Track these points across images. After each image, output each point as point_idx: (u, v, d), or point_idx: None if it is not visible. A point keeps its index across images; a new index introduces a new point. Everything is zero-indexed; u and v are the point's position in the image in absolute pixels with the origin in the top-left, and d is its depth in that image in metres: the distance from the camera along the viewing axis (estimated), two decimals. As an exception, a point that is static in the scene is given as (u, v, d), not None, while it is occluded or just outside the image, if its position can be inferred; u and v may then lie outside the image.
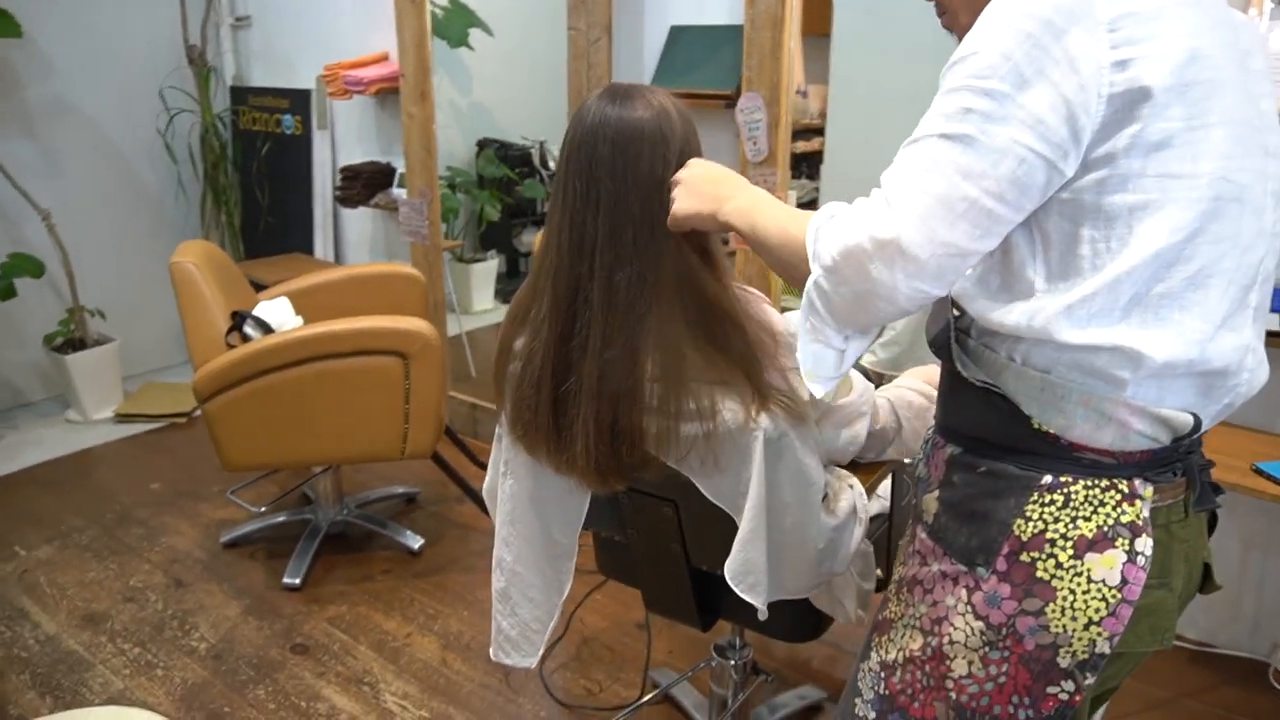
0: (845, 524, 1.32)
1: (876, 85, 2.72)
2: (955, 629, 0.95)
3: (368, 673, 2.18)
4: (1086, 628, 0.88)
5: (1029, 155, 0.81)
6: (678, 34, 2.76)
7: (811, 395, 1.23)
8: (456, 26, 3.66)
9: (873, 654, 1.07)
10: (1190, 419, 0.89)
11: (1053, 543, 0.89)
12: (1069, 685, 0.91)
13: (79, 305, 3.60)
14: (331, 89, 3.59)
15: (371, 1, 3.45)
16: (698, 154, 1.21)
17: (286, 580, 2.51)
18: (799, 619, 1.52)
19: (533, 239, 4.47)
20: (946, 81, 0.85)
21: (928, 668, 0.98)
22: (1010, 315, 0.89)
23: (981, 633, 0.93)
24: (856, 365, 1.24)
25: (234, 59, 4.18)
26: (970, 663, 0.94)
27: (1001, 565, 0.91)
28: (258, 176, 4.11)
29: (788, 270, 0.99)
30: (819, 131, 3.00)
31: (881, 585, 1.51)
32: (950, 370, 0.99)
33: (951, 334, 0.97)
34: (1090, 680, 0.91)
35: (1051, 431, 0.90)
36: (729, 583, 1.27)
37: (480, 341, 3.92)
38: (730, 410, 1.20)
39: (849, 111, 2.83)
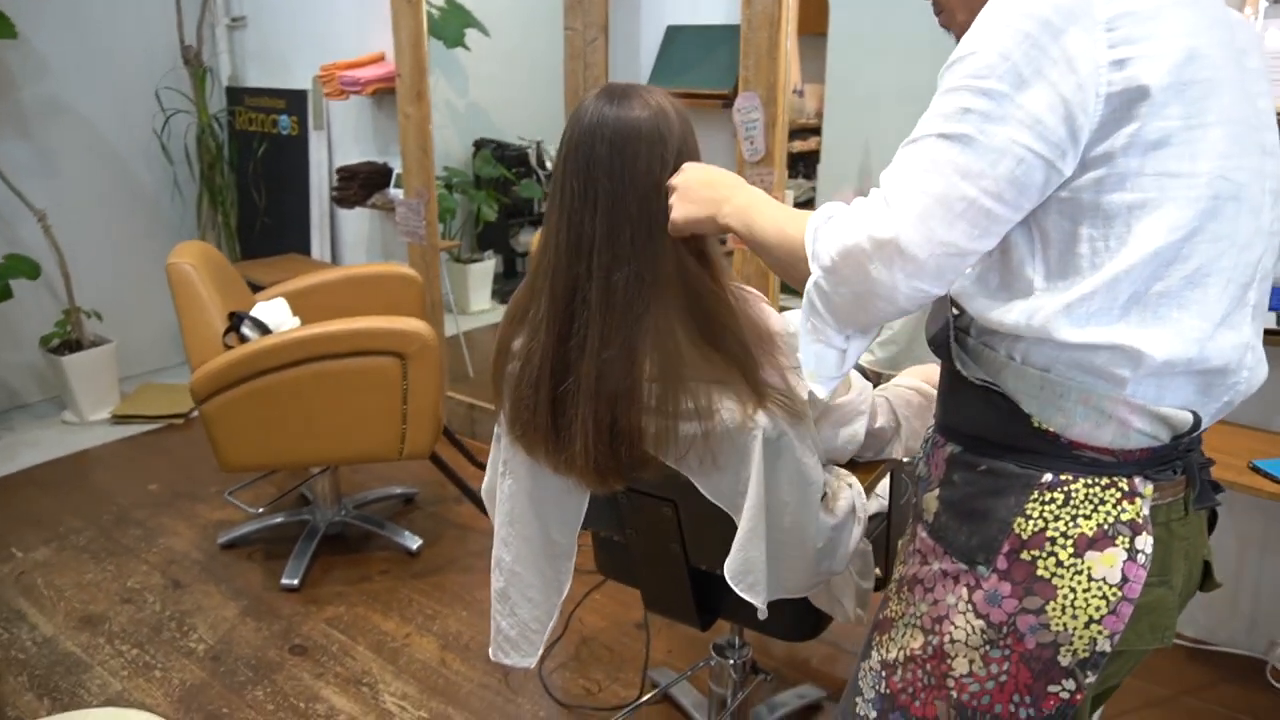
0: (844, 523, 1.32)
1: (873, 84, 2.72)
2: (956, 628, 0.95)
3: (366, 673, 2.17)
4: (1087, 626, 0.89)
5: (1027, 155, 0.82)
6: (674, 34, 2.76)
7: (810, 394, 1.23)
8: (453, 27, 3.66)
9: (873, 653, 1.07)
10: (1190, 417, 0.89)
11: (1053, 541, 0.89)
12: (1070, 684, 0.91)
13: (75, 306, 3.59)
14: (328, 89, 3.58)
15: (367, 2, 3.44)
16: (696, 153, 1.21)
17: (284, 581, 2.50)
18: (798, 618, 1.53)
19: (530, 239, 4.47)
20: (945, 81, 0.86)
21: (929, 666, 0.99)
22: (1009, 314, 0.89)
23: (982, 631, 0.93)
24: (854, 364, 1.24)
25: (230, 59, 4.17)
26: (971, 661, 0.94)
27: (1002, 564, 0.91)
28: (254, 177, 4.10)
29: (786, 270, 1.00)
30: (815, 131, 3.00)
31: (880, 584, 1.51)
32: (950, 369, 1.00)
33: (951, 333, 0.98)
34: (1091, 679, 0.91)
35: (1051, 430, 0.90)
36: (729, 582, 1.27)
37: (478, 342, 3.92)
38: (728, 409, 1.20)
39: (845, 111, 2.83)
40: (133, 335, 3.92)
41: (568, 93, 2.83)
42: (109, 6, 3.76)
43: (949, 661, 0.96)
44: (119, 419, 3.63)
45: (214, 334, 2.38)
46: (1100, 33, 0.80)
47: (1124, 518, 0.89)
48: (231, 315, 2.43)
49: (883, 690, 1.05)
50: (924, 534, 1.01)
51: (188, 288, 2.41)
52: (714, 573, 1.38)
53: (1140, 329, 0.85)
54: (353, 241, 3.97)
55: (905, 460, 1.45)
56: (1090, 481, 0.89)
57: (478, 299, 4.40)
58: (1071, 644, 0.90)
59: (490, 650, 1.49)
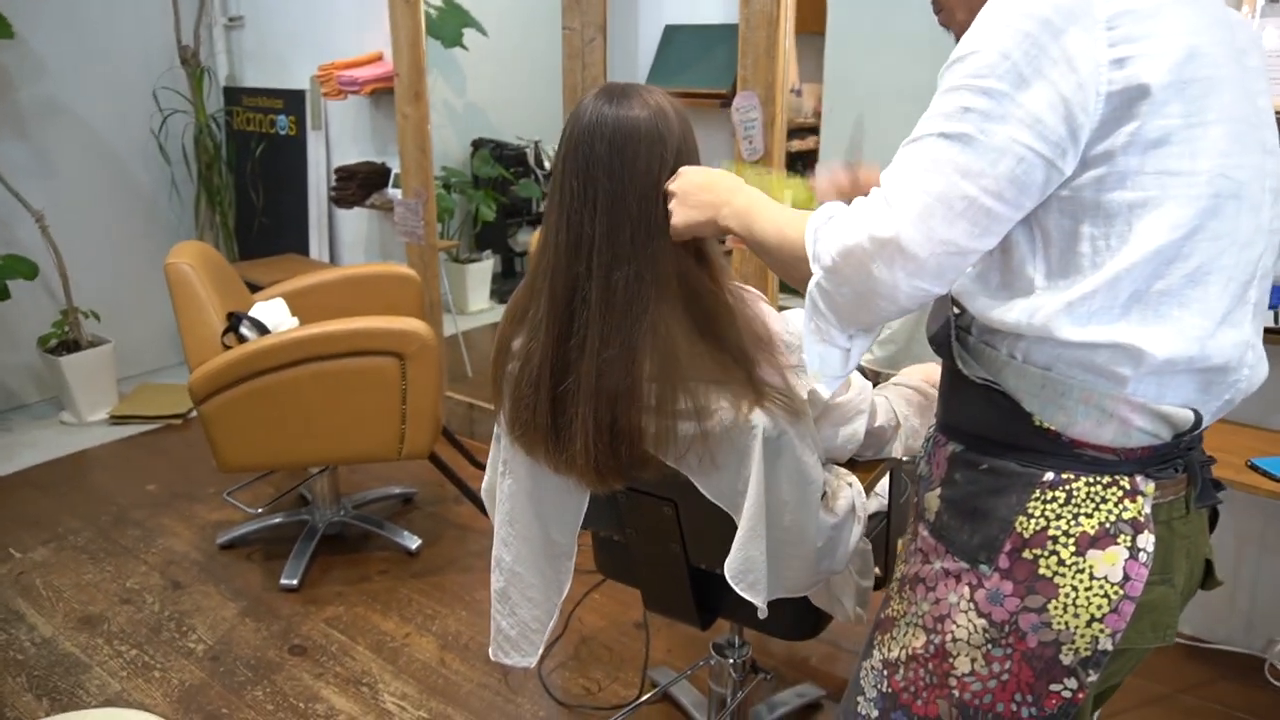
0: (844, 522, 1.32)
1: (871, 84, 2.73)
2: (958, 626, 0.95)
3: (366, 673, 2.17)
4: (1089, 624, 0.89)
5: (1028, 154, 0.82)
6: (672, 33, 2.76)
7: (810, 393, 1.23)
8: (451, 26, 3.66)
9: (875, 652, 1.07)
10: (1191, 415, 0.89)
11: (1055, 539, 0.89)
12: (1072, 682, 0.91)
13: (73, 307, 3.59)
14: (326, 89, 3.58)
15: (365, 1, 3.44)
16: (695, 153, 1.21)
17: (284, 581, 2.50)
18: (798, 617, 1.53)
19: (528, 239, 4.47)
20: (945, 80, 0.86)
21: (930, 665, 0.99)
22: (1010, 313, 0.89)
23: (984, 630, 0.93)
24: (853, 363, 1.24)
25: (227, 59, 4.17)
26: (973, 660, 0.95)
27: (1004, 562, 0.91)
28: (252, 177, 4.10)
29: (786, 270, 1.00)
30: (814, 130, 3.00)
31: (880, 583, 1.51)
32: (951, 368, 1.00)
33: (952, 331, 0.98)
34: (1093, 677, 0.91)
35: (1052, 428, 0.90)
36: (729, 582, 1.27)
37: (476, 341, 3.92)
38: (726, 409, 1.20)
39: (844, 110, 2.83)
40: (131, 335, 3.92)
41: (566, 92, 2.83)
42: (106, 7, 3.76)
43: (951, 660, 0.96)
44: (117, 419, 3.63)
45: (212, 334, 2.37)
46: (1100, 31, 0.80)
47: (1125, 516, 0.89)
48: (230, 315, 2.42)
49: (885, 689, 1.05)
50: (926, 533, 1.01)
51: (186, 288, 2.40)
52: (714, 572, 1.38)
53: (1141, 327, 0.85)
54: (351, 241, 3.97)
55: (905, 459, 1.45)
56: (1092, 480, 0.90)
57: (476, 299, 4.39)
58: (1073, 642, 0.90)
59: (490, 650, 1.49)
